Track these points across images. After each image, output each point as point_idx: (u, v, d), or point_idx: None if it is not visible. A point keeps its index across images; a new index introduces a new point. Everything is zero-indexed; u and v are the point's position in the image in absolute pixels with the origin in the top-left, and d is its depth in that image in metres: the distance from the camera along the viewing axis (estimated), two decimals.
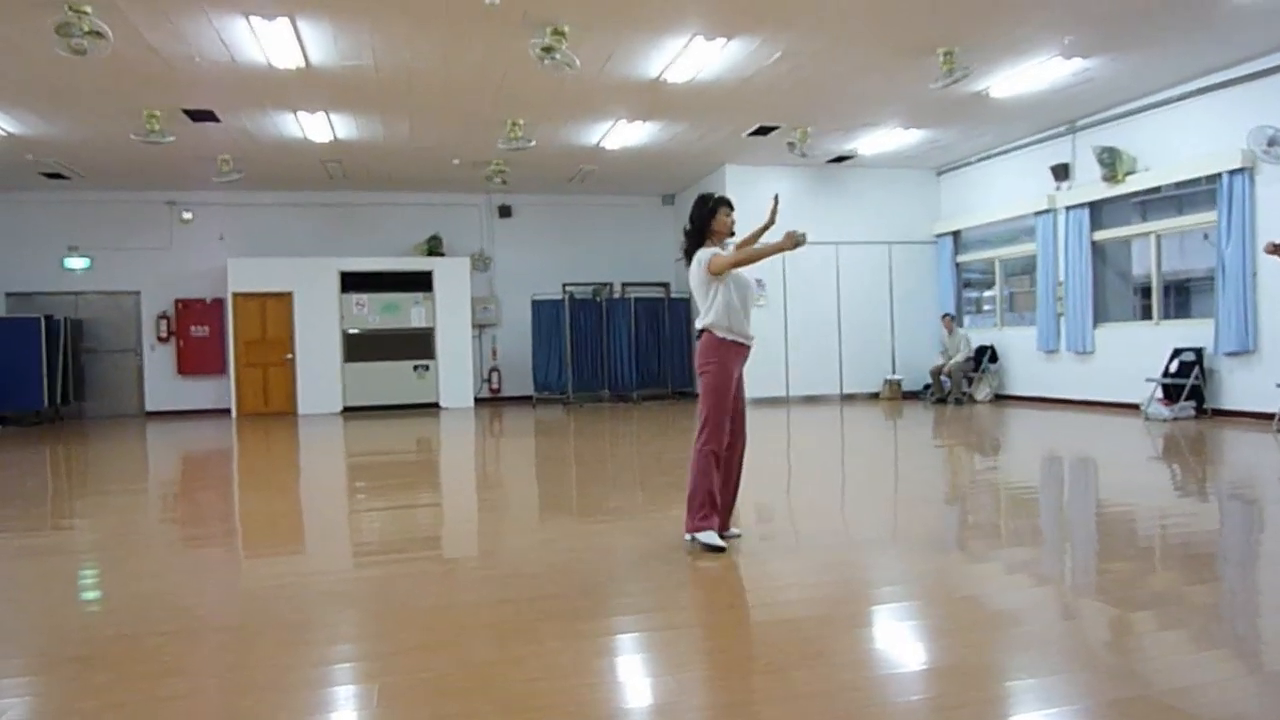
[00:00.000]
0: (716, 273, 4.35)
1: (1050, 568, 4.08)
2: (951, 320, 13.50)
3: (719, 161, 13.60)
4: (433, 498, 6.69)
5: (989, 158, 13.42)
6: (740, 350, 4.41)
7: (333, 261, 14.36)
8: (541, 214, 15.88)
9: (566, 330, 14.85)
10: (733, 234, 4.53)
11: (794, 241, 4.19)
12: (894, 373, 14.19)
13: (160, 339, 14.53)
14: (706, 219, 4.48)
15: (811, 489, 6.35)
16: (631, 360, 14.98)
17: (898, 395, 13.93)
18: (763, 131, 11.82)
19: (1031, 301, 13.05)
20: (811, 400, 13.89)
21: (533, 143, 11.12)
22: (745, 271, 4.48)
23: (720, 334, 4.38)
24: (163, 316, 14.51)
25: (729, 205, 4.49)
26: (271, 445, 10.59)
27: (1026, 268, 13.31)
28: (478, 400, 15.19)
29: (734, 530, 4.61)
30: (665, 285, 15.85)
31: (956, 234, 14.25)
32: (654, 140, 12.02)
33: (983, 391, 13.27)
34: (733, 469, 4.50)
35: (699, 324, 4.45)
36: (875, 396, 14.08)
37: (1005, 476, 6.83)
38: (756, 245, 4.48)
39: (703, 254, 4.41)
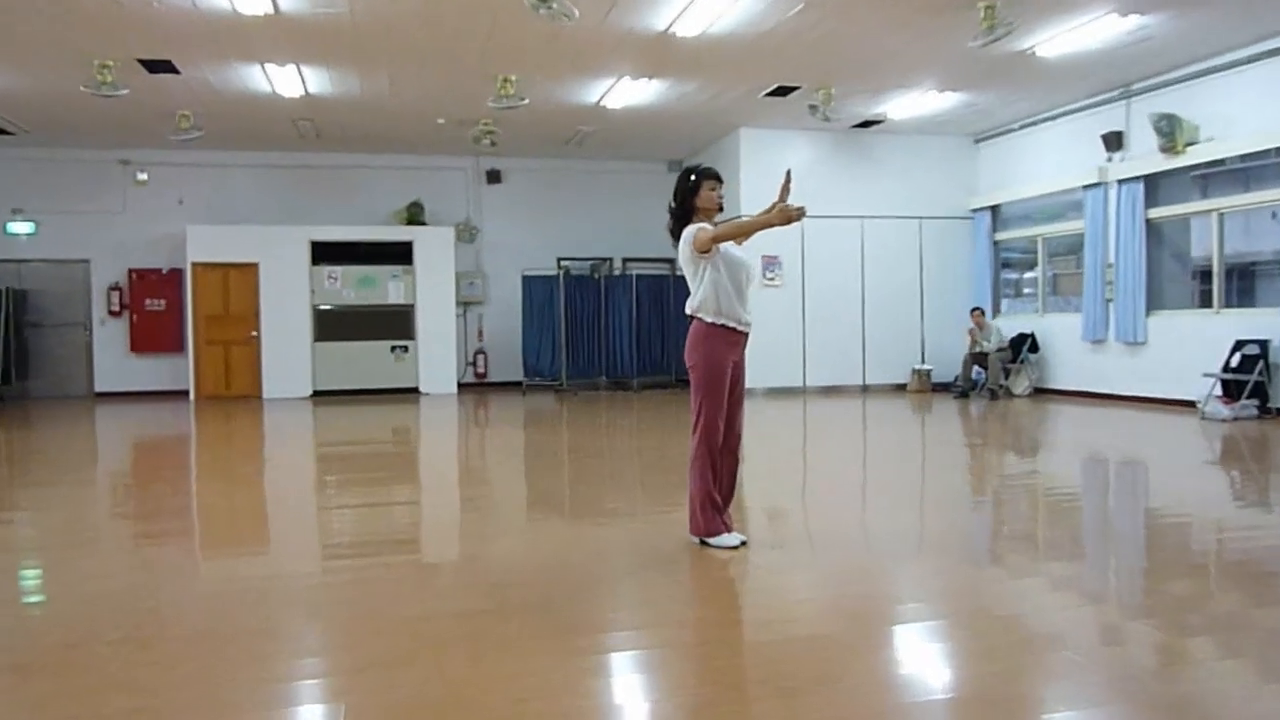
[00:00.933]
0: (703, 250, 4.32)
1: (1094, 585, 4.07)
2: (982, 315, 13.47)
3: (733, 125, 13.55)
4: (410, 494, 6.68)
5: (1033, 124, 13.34)
6: (734, 336, 4.40)
7: (303, 230, 14.34)
8: (534, 180, 15.83)
9: (560, 310, 14.83)
10: (721, 209, 4.50)
11: (786, 217, 4.16)
12: (922, 362, 14.17)
13: (112, 313, 14.53)
14: (690, 194, 4.44)
15: (828, 491, 6.35)
16: (632, 344, 14.97)
17: (926, 387, 13.92)
18: (782, 92, 11.75)
19: (1077, 285, 13.01)
20: (830, 391, 13.88)
21: (525, 101, 11.07)
22: (742, 250, 4.47)
23: (709, 319, 4.38)
24: (114, 288, 14.51)
25: (716, 179, 4.46)
26: (233, 432, 10.59)
27: (1072, 247, 13.26)
28: (461, 385, 15.20)
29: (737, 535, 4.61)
30: (670, 262, 15.81)
31: (995, 209, 14.19)
32: (661, 100, 11.96)
33: (1021, 384, 13.25)
34: (726, 463, 4.47)
35: (688, 309, 4.43)
36: (901, 388, 14.08)
37: (1044, 480, 6.82)
38: (745, 219, 4.39)
39: (688, 231, 4.38)
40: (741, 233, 4.40)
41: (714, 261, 4.37)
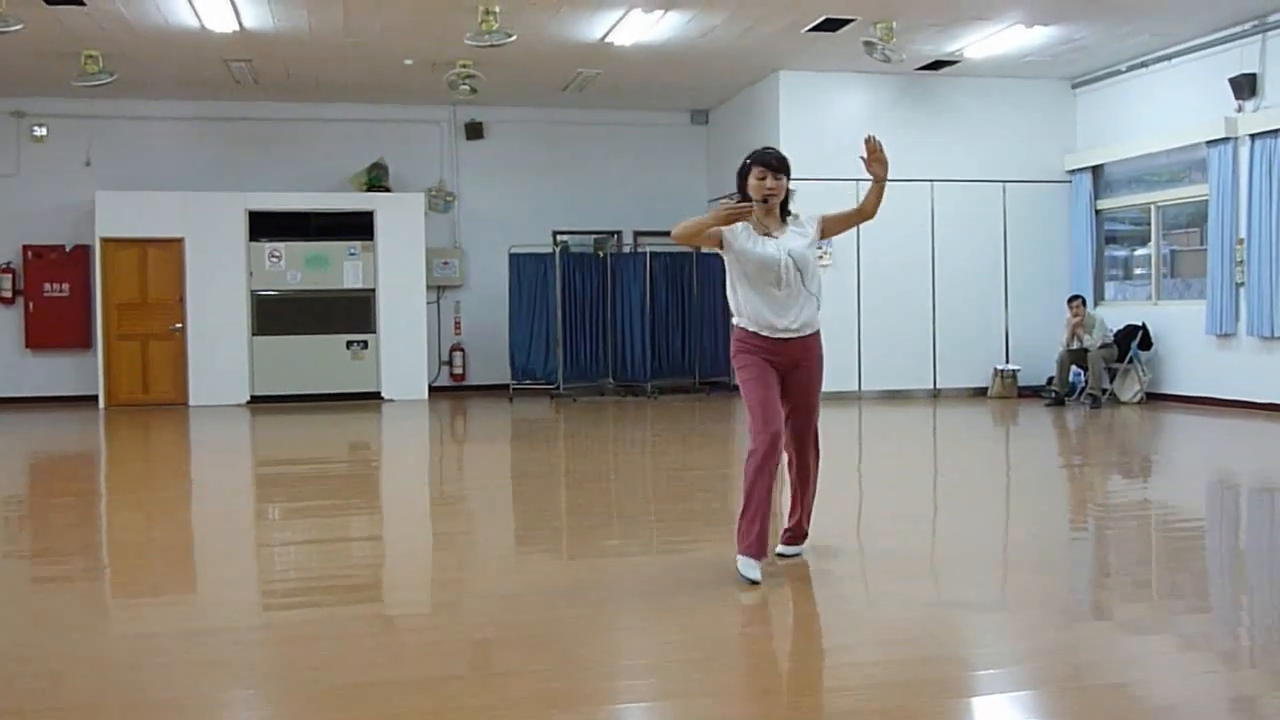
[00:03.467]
0: (679, 243, 4.82)
1: (1224, 644, 4.02)
2: (1082, 304, 13.37)
3: (770, 66, 13.49)
4: (370, 527, 6.65)
5: (1144, 66, 13.23)
6: (770, 344, 4.75)
7: (238, 198, 14.34)
8: (525, 135, 15.79)
9: (556, 295, 14.80)
10: (766, 200, 4.71)
11: (725, 217, 4.50)
12: (1006, 361, 14.09)
13: (3, 299, 14.57)
14: (741, 182, 4.83)
15: (890, 523, 6.30)
16: (645, 338, 14.93)
17: (1011, 392, 13.84)
18: (831, 26, 11.69)
19: (1200, 265, 12.90)
20: (893, 398, 13.81)
21: (512, 37, 11.03)
22: (776, 244, 4.73)
23: (735, 321, 4.87)
24: (6, 269, 14.55)
25: (766, 164, 4.71)
26: (153, 448, 10.60)
27: (1194, 218, 13.14)
28: (434, 389, 15.20)
29: (791, 549, 5.09)
30: None
31: (1097, 170, 14.10)
32: (681, 36, 11.91)
33: (1129, 389, 13.15)
34: (806, 482, 5.03)
35: None
36: (981, 393, 14.00)
37: (1160, 510, 6.76)
38: (693, 220, 4.72)
39: None
40: (683, 238, 4.71)
41: (728, 259, 4.76)
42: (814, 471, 5.05)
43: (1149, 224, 13.65)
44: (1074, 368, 13.37)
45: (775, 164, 4.72)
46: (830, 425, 11.83)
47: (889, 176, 4.75)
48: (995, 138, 14.16)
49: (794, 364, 4.80)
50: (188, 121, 14.90)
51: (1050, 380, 13.51)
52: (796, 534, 5.09)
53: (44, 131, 14.56)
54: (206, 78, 13.48)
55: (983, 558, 5.42)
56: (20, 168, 14.59)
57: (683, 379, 15.31)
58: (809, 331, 4.82)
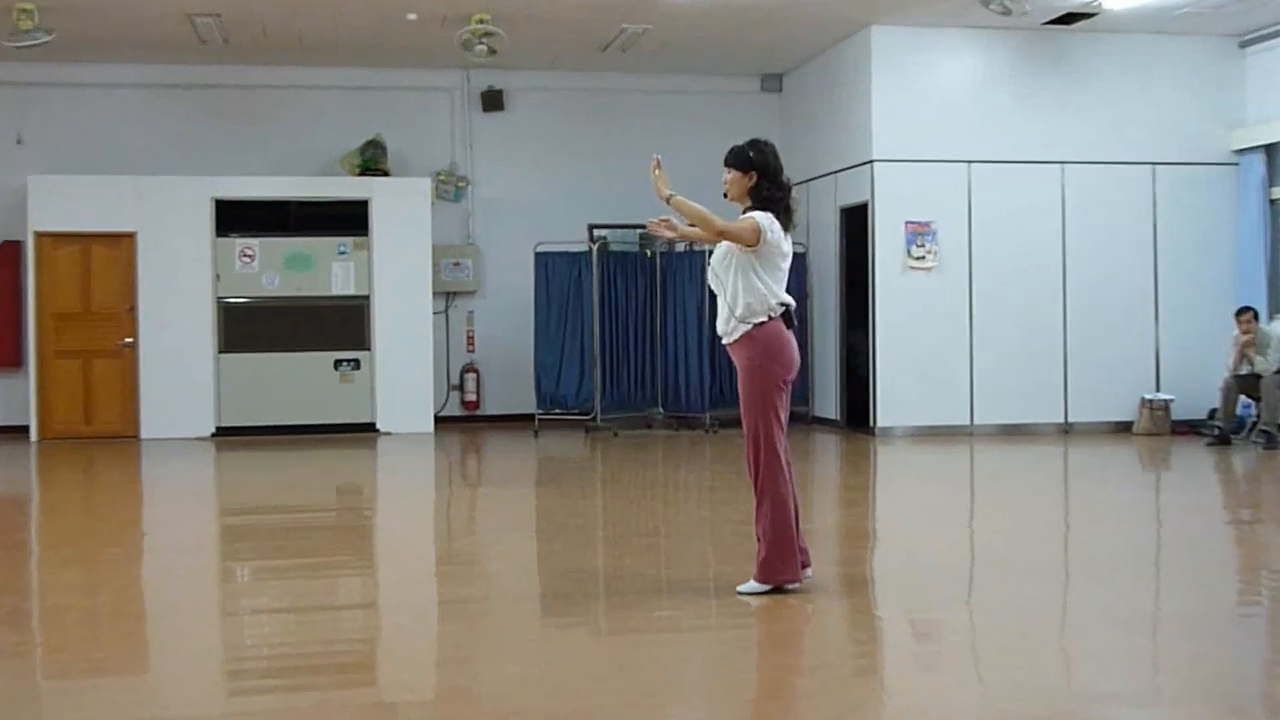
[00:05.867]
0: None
1: None
2: (1254, 318, 13.20)
3: (859, 21, 13.48)
4: (362, 590, 6.68)
5: None
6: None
7: (204, 183, 14.41)
8: (555, 107, 15.84)
9: (594, 304, 14.80)
10: (725, 195, 6.10)
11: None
12: (1157, 389, 13.94)
13: None
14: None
15: (1005, 592, 6.25)
16: (703, 357, 14.88)
17: (1164, 428, 13.67)
18: None
19: None
20: (1012, 433, 13.68)
21: None
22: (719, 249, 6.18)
23: None
24: None
25: (726, 159, 6.10)
26: (96, 492, 10.69)
27: None
28: (442, 420, 15.21)
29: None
30: None
31: (1272, 149, 13.92)
32: None
33: None
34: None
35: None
36: (1125, 429, 13.84)
37: None
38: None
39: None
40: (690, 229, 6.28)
41: None
42: (759, 501, 5.92)
43: None
44: (1243, 397, 13.19)
45: (728, 157, 6.02)
46: (933, 466, 11.85)
47: (658, 234, 6.26)
48: (1142, 110, 14.01)
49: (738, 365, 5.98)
50: (142, 90, 15.01)
51: (1213, 413, 13.34)
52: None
53: None
54: (165, 36, 13.57)
55: (1128, 637, 5.34)
56: None
57: None
58: (729, 340, 5.95)
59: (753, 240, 5.79)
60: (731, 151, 6.03)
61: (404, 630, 5.73)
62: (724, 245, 5.97)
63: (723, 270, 5.93)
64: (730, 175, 6.00)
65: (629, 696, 4.45)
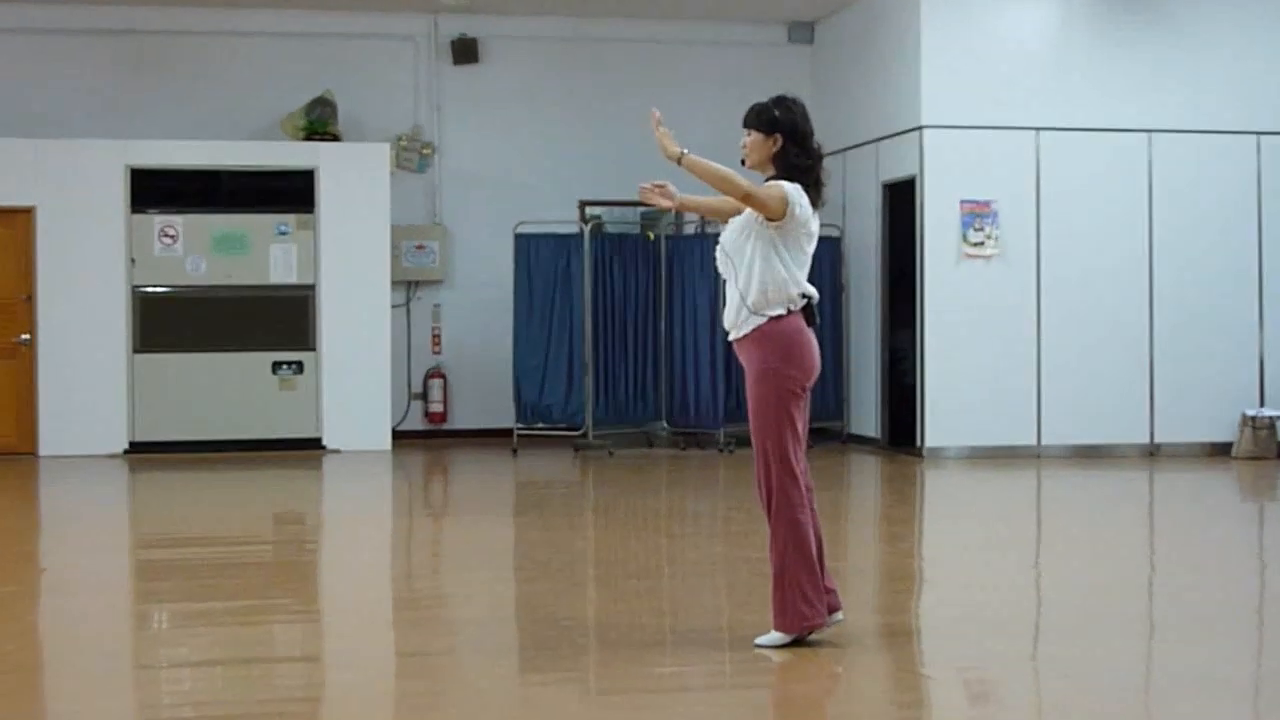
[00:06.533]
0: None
1: None
2: None
3: None
4: (303, 639, 6.67)
5: None
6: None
7: (116, 148, 14.42)
8: (539, 59, 15.87)
9: (585, 297, 14.79)
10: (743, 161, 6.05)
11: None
12: (1261, 404, 13.96)
13: None
14: None
15: (1077, 650, 6.24)
16: (715, 362, 14.90)
17: (1269, 449, 13.69)
18: None
19: None
20: (1088, 456, 13.67)
21: None
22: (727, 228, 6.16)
23: None
24: None
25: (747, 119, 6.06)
26: None
27: None
28: (401, 435, 15.22)
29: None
30: None
31: None
32: None
33: None
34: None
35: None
36: (1224, 450, 13.84)
37: None
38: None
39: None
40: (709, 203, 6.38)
41: None
42: (774, 528, 5.87)
43: None
44: None
45: (748, 117, 5.99)
46: (992, 495, 11.82)
47: (653, 203, 6.22)
48: (1245, 69, 14.03)
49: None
50: (44, 36, 15.02)
51: None
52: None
53: None
54: None
55: (1225, 705, 5.31)
56: None
57: None
58: (737, 335, 5.91)
59: (778, 212, 5.71)
60: (753, 110, 5.99)
61: (353, 688, 5.67)
62: (739, 220, 5.92)
63: (735, 250, 5.90)
64: (751, 137, 5.95)
65: None
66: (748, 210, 5.80)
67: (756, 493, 6.01)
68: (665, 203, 6.03)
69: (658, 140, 5.98)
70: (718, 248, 6.04)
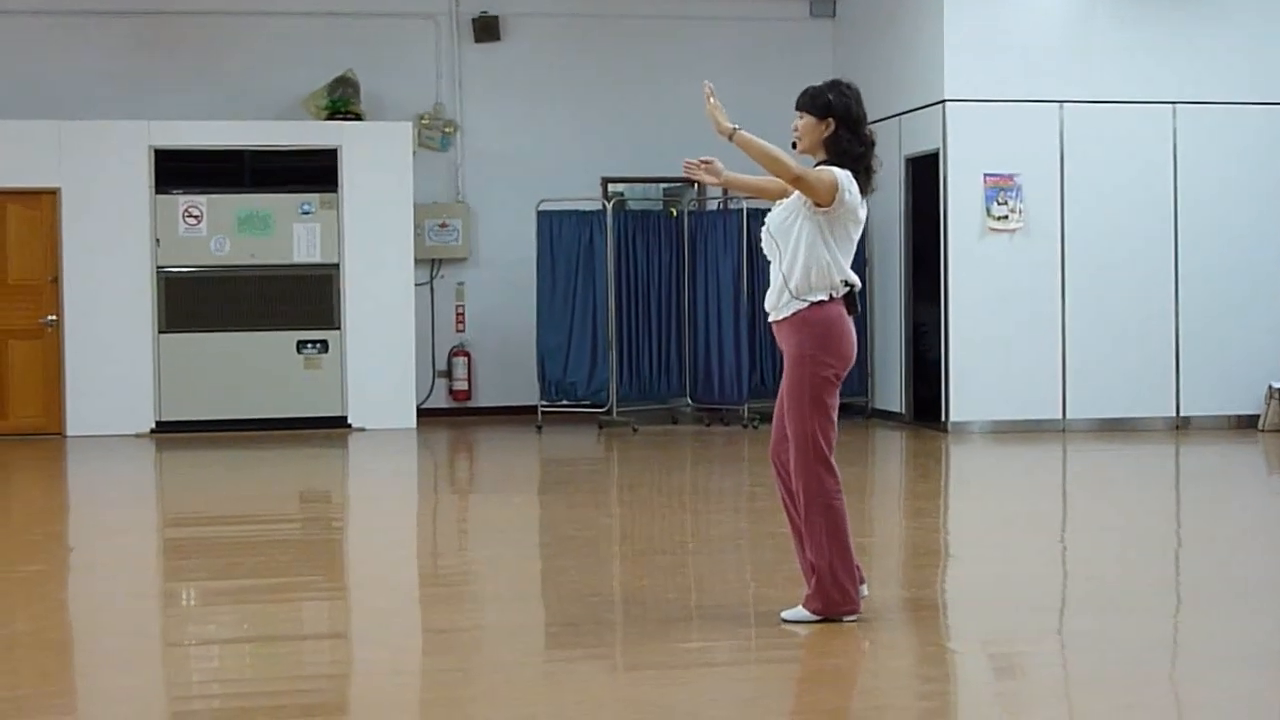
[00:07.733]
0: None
1: None
2: None
3: None
4: (331, 617, 6.70)
5: None
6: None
7: (141, 129, 14.41)
8: (561, 36, 15.83)
9: (609, 274, 14.78)
10: (794, 145, 6.04)
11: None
12: None
13: None
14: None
15: (1104, 624, 6.22)
16: (740, 337, 14.87)
17: None
18: None
19: None
20: (1114, 429, 13.63)
21: None
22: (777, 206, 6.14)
23: None
24: None
25: (799, 102, 6.02)
26: (13, 499, 10.70)
27: None
28: (426, 413, 15.21)
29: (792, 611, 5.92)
30: None
31: None
32: None
33: None
34: (802, 527, 6.02)
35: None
36: (1250, 424, 13.79)
37: None
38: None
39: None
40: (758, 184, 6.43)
41: None
42: (809, 516, 5.88)
43: None
44: None
45: (801, 99, 5.92)
46: (1017, 469, 11.80)
47: (699, 177, 6.20)
48: (1271, 38, 13.92)
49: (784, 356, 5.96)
50: (66, 18, 15.02)
51: None
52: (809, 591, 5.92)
53: None
54: None
55: (1253, 680, 5.29)
56: None
57: None
58: (777, 317, 5.92)
59: (827, 198, 5.68)
60: (806, 93, 5.95)
61: (381, 665, 5.69)
62: (787, 202, 5.90)
63: (782, 232, 5.89)
64: (803, 121, 5.91)
65: None
66: (796, 193, 5.79)
67: (775, 476, 6.10)
68: (711, 179, 6.07)
69: (709, 114, 5.88)
70: (763, 229, 6.04)
